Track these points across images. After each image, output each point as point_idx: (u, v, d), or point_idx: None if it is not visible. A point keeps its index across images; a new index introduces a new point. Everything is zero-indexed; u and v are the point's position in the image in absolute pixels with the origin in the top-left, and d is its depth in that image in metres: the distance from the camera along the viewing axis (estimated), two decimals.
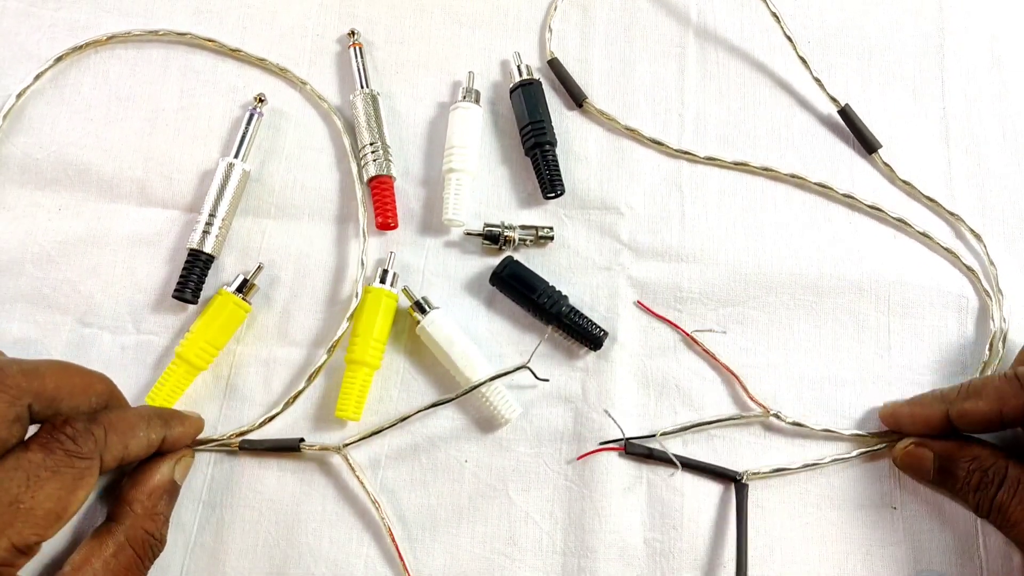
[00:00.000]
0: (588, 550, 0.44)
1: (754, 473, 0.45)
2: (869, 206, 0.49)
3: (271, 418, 0.45)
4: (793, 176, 0.50)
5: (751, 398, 0.45)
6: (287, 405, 0.45)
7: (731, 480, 0.45)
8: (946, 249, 0.49)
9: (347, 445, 0.44)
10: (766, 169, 0.50)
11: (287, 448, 0.44)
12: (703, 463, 0.45)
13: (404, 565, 0.43)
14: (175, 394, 0.44)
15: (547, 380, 0.46)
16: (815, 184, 0.50)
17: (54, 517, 0.35)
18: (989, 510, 0.41)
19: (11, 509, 0.33)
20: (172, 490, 0.41)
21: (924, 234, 0.49)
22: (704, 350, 0.47)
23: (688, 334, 0.47)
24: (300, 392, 0.45)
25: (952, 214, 0.49)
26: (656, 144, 0.50)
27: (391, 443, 0.46)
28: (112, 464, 0.38)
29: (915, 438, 0.44)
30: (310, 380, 0.45)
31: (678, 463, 0.44)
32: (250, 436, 0.45)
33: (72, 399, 0.37)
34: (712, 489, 0.45)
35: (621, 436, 0.45)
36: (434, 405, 0.44)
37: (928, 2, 0.54)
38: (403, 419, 0.44)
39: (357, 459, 0.45)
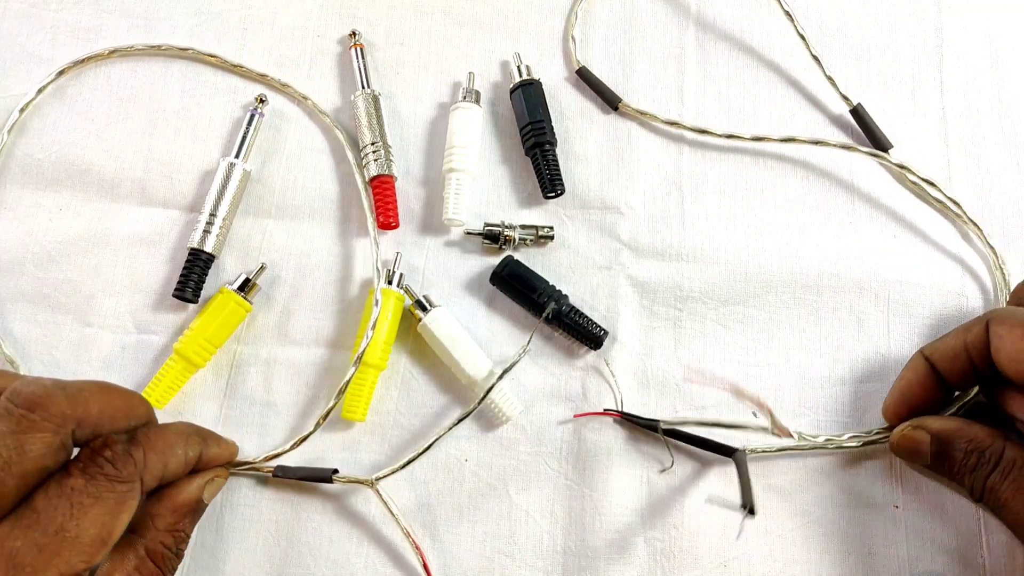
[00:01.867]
0: (589, 549, 0.44)
1: (752, 450, 0.44)
2: (864, 152, 0.49)
3: (302, 440, 0.43)
4: (817, 142, 0.50)
5: (779, 428, 0.41)
6: (318, 426, 0.43)
7: (728, 455, 0.44)
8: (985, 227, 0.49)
9: (379, 479, 0.43)
10: (786, 139, 0.50)
11: (319, 479, 0.43)
12: (699, 437, 0.44)
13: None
14: (172, 390, 0.44)
15: (529, 350, 0.46)
16: (806, 140, 0.50)
17: (100, 543, 0.34)
18: (983, 492, 0.40)
19: (58, 538, 0.33)
20: (198, 509, 0.40)
21: (969, 220, 0.49)
22: (745, 394, 0.43)
23: (730, 387, 0.46)
24: (330, 410, 0.43)
25: (968, 219, 0.49)
26: (701, 132, 0.50)
27: (392, 443, 0.46)
28: (152, 484, 0.37)
29: (912, 421, 0.43)
30: (339, 396, 0.43)
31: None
32: (283, 460, 0.44)
33: (114, 423, 0.37)
34: (713, 489, 0.45)
35: (618, 400, 0.45)
36: (459, 421, 0.43)
37: (926, 2, 0.54)
38: (433, 443, 0.43)
39: (357, 458, 0.44)
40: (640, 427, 0.45)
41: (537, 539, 0.44)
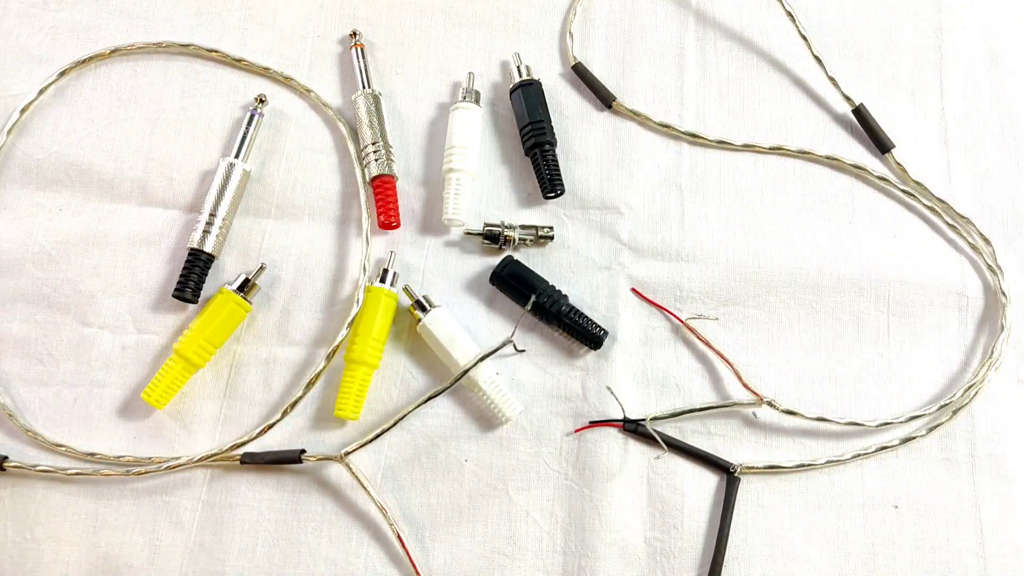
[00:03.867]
0: (588, 549, 0.44)
1: (748, 467, 0.45)
2: (878, 177, 0.50)
3: (269, 427, 0.44)
4: (801, 152, 0.50)
5: (745, 386, 0.45)
6: (285, 414, 0.44)
7: (724, 471, 0.45)
8: (968, 240, 0.49)
9: (348, 453, 0.44)
10: (775, 148, 0.50)
11: (288, 460, 0.44)
12: (697, 449, 0.45)
13: (415, 567, 0.43)
14: (172, 391, 0.44)
15: (524, 351, 0.46)
16: (824, 157, 0.50)
17: None
18: None
19: None
20: None
21: (952, 226, 0.49)
22: (699, 337, 0.46)
23: (683, 321, 0.47)
24: (297, 400, 0.44)
25: (962, 216, 0.49)
26: (692, 137, 0.50)
27: (391, 443, 0.46)
28: None
29: None
30: (308, 387, 0.44)
31: (664, 446, 0.44)
32: (250, 446, 0.44)
33: None
34: (713, 489, 0.45)
35: (621, 415, 0.45)
36: (429, 399, 0.44)
37: (926, 3, 0.54)
38: (401, 417, 0.44)
39: (357, 459, 0.44)
40: (642, 435, 0.45)
41: (537, 539, 0.44)
